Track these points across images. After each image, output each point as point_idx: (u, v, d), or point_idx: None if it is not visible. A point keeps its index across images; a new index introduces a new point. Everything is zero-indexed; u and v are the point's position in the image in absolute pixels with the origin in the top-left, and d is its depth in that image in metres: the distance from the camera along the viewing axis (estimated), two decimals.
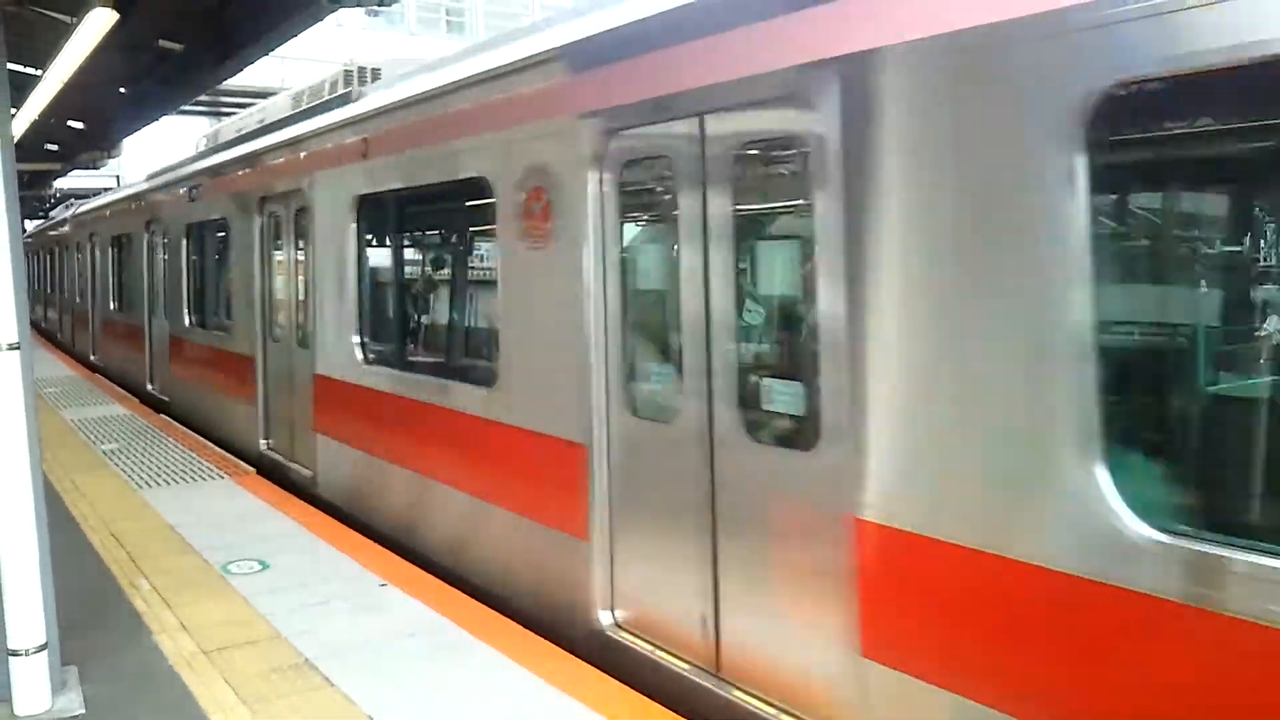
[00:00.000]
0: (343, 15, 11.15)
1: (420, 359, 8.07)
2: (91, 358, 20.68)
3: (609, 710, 4.61)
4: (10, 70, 5.05)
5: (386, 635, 5.59)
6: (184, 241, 13.78)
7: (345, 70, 10.28)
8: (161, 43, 11.18)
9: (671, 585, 4.99)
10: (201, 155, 14.19)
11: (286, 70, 26.10)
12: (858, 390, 3.94)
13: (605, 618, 5.41)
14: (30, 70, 12.59)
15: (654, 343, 5.37)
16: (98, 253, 20.01)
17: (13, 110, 11.11)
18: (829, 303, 4.06)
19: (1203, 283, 3.58)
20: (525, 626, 5.66)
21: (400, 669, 5.15)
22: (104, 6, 8.16)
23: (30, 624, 4.66)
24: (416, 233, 8.65)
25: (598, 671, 5.05)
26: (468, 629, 5.62)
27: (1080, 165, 3.20)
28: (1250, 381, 3.31)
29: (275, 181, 10.28)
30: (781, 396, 4.52)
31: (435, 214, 8.21)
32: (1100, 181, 3.23)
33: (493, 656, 5.26)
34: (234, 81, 16.48)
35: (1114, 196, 3.53)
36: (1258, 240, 3.46)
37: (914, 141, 3.76)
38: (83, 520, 8.11)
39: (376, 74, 9.90)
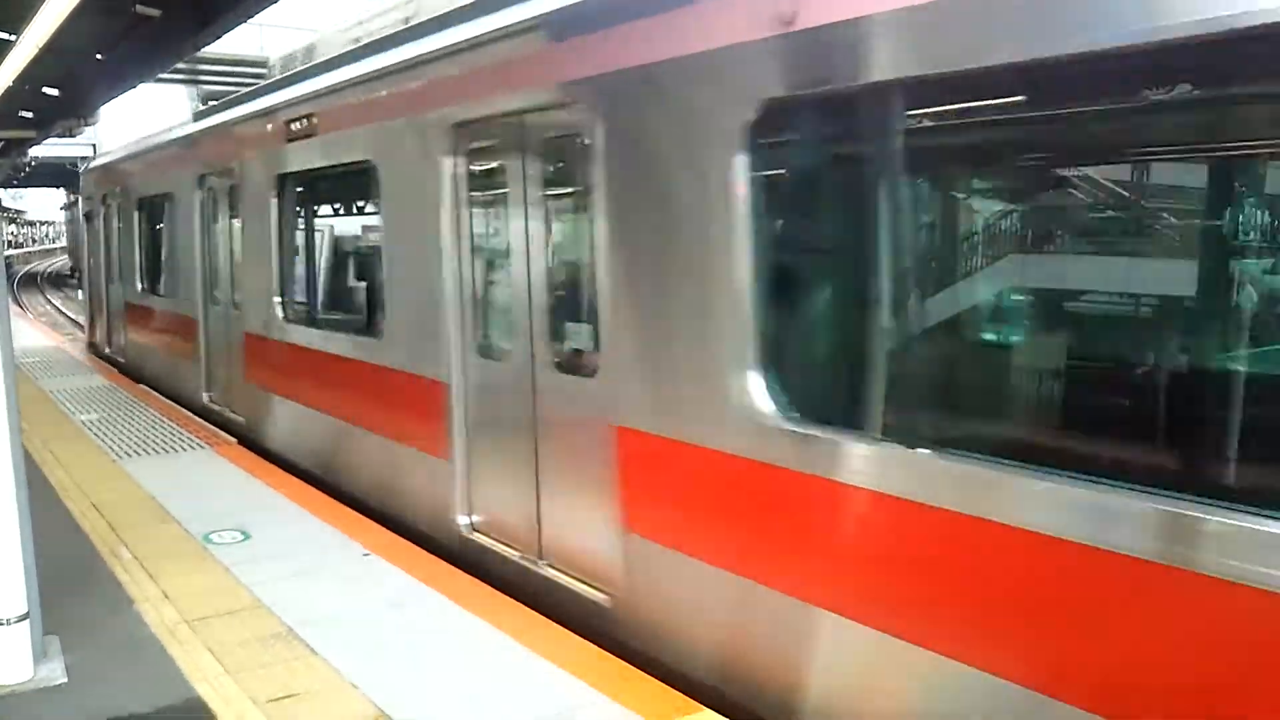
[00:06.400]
0: None
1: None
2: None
3: (593, 677, 4.64)
4: None
5: (370, 604, 5.60)
6: (135, 213, 15.03)
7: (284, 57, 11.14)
8: (138, 8, 11.00)
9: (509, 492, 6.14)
10: (146, 138, 15.36)
11: (266, 38, 25.78)
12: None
13: (464, 521, 6.53)
14: (3, 35, 12.40)
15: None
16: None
17: None
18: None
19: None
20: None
21: (384, 638, 5.16)
22: None
23: (11, 593, 4.65)
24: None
25: (583, 640, 5.08)
26: (452, 598, 5.63)
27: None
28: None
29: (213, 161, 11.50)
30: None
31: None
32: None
33: (477, 625, 5.28)
34: (213, 49, 16.27)
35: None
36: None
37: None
38: (62, 490, 8.07)
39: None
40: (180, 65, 20.54)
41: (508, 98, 5.86)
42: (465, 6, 6.49)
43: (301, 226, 9.52)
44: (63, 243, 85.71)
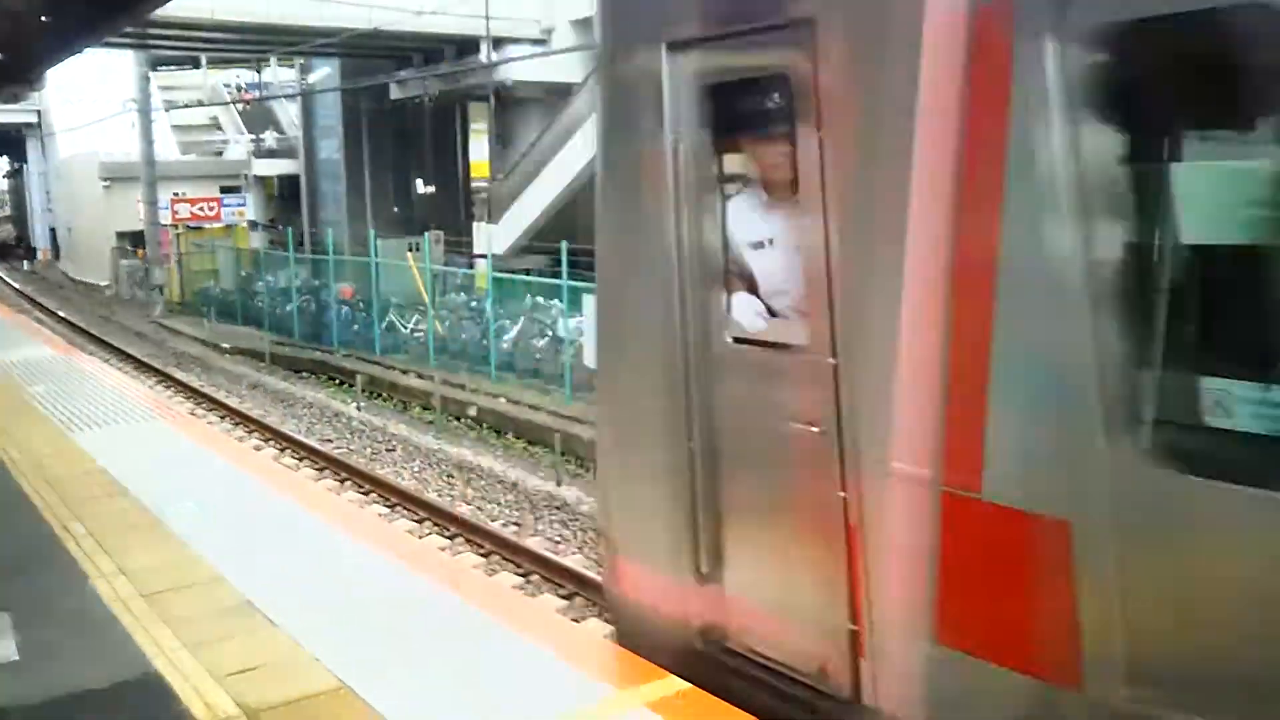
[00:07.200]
0: None
1: None
2: None
3: (563, 648, 4.62)
4: None
5: (330, 577, 5.54)
6: None
7: None
8: None
9: None
10: None
11: (216, 2, 25.31)
12: None
13: None
14: None
15: None
16: None
17: None
18: None
19: None
20: None
21: (346, 610, 5.10)
22: None
23: None
24: None
25: (550, 612, 5.06)
26: (413, 570, 5.58)
27: None
28: None
29: None
30: None
31: None
32: None
33: (440, 596, 5.24)
34: (162, 12, 15.95)
35: None
36: None
37: None
38: (12, 465, 7.92)
39: None
40: (129, 29, 20.08)
41: None
42: None
43: None
44: (6, 211, 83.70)
